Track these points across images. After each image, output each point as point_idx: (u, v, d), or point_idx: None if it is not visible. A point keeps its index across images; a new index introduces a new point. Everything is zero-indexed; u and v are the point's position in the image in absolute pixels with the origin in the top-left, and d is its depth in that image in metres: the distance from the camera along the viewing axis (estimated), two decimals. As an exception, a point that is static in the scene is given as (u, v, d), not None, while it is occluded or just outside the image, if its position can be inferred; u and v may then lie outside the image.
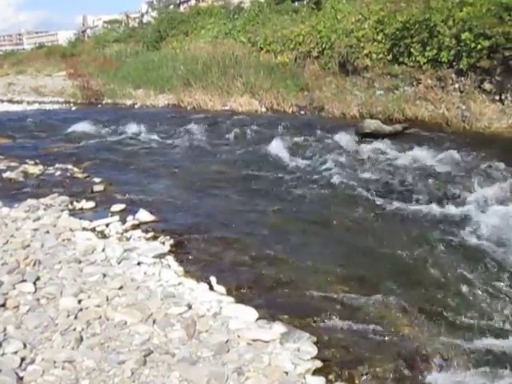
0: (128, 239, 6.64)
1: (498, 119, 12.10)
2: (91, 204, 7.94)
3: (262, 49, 19.61)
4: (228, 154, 11.02)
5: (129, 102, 20.08)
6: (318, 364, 4.27)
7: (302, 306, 5.17)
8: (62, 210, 7.57)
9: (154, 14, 31.05)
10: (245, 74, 17.88)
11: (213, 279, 5.56)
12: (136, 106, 19.52)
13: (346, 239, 6.75)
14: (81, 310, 4.75)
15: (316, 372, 4.19)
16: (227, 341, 4.40)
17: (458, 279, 5.60)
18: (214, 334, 4.50)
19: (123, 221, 7.21)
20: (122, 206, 7.74)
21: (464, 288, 5.43)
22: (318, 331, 4.73)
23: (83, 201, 8.00)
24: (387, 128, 11.88)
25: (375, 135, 11.48)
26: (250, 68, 18.12)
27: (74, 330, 4.43)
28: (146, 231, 6.89)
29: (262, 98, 16.64)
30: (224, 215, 7.58)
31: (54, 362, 3.99)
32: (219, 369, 3.98)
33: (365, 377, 4.21)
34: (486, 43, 12.47)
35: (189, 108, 17.72)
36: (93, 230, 6.92)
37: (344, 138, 11.47)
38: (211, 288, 5.42)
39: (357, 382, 4.16)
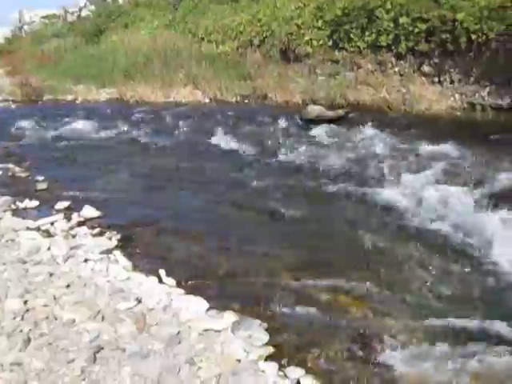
0: (74, 236, 6.52)
1: (437, 101, 12.33)
2: (35, 203, 7.77)
3: (203, 39, 19.47)
4: (172, 146, 10.92)
5: (70, 98, 19.69)
6: (271, 350, 4.29)
7: (253, 294, 5.18)
8: (5, 211, 7.39)
9: (92, 7, 30.45)
10: (187, 65, 17.74)
11: (162, 272, 5.52)
12: (77, 102, 19.16)
13: (295, 225, 6.78)
14: (27, 310, 4.65)
15: (268, 358, 4.21)
16: (178, 332, 4.39)
17: (405, 260, 5.70)
18: (164, 326, 4.48)
19: (68, 218, 7.09)
20: (66, 204, 7.60)
21: (412, 268, 5.54)
22: (269, 318, 4.75)
23: (26, 200, 7.82)
24: (330, 113, 11.98)
25: (318, 121, 11.57)
26: (192, 59, 17.98)
27: (21, 331, 4.34)
28: (92, 227, 6.79)
29: (205, 88, 16.56)
30: (171, 207, 7.53)
31: (1, 365, 3.91)
32: (171, 361, 3.97)
33: (317, 360, 4.24)
34: (423, 26, 12.66)
35: (131, 101, 17.50)
36: (37, 229, 6.78)
37: (288, 125, 11.53)
38: (161, 281, 5.38)
39: (310, 365, 4.18)
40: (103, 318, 4.59)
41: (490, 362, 4.09)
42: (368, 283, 5.26)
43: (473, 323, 4.56)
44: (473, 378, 3.95)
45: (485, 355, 4.16)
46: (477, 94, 11.92)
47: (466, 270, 5.46)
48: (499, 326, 4.48)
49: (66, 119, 14.17)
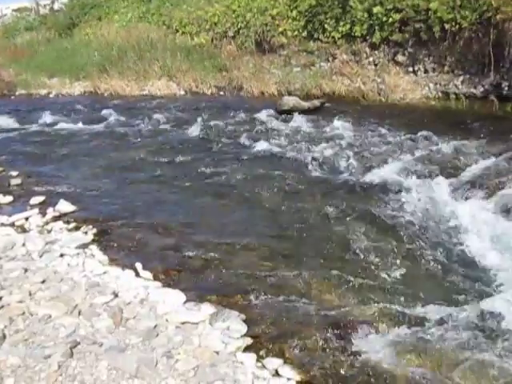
0: (49, 231, 6.47)
1: (412, 90, 12.40)
2: (9, 198, 7.69)
3: (177, 31, 19.34)
4: (148, 139, 10.85)
5: (44, 92, 19.45)
6: (249, 341, 4.32)
7: (230, 286, 5.20)
8: (-22, 207, 7.33)
9: (65, -1, 30.09)
10: (161, 57, 17.61)
11: (138, 265, 5.50)
12: (51, 96, 18.94)
13: (270, 216, 6.79)
14: (2, 307, 4.62)
15: (247, 349, 4.24)
16: (155, 326, 4.38)
17: (380, 248, 5.75)
18: (141, 320, 4.48)
19: (43, 213, 7.03)
20: (41, 199, 7.53)
21: (386, 256, 5.59)
22: (246, 309, 4.77)
23: (0, 196, 7.74)
24: (306, 104, 12.00)
25: (294, 112, 11.57)
26: (167, 51, 17.85)
27: (-4, 328, 4.31)
28: (68, 222, 6.74)
29: (180, 80, 16.47)
30: (147, 200, 7.49)
31: (-24, 363, 3.87)
32: (148, 354, 3.97)
33: (295, 349, 4.27)
34: (397, 16, 12.71)
35: (106, 95, 17.36)
36: (12, 224, 6.72)
37: (263, 116, 11.51)
38: (137, 274, 5.37)
39: (287, 355, 4.21)
40: (80, 313, 4.57)
41: (466, 347, 4.16)
42: (343, 272, 5.31)
43: (445, 309, 4.63)
44: (449, 363, 4.01)
45: (462, 340, 4.23)
46: (451, 83, 12.01)
47: (438, 257, 5.53)
48: (470, 311, 4.55)
49: (40, 113, 13.99)
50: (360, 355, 4.15)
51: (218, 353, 4.10)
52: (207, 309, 4.66)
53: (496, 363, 3.95)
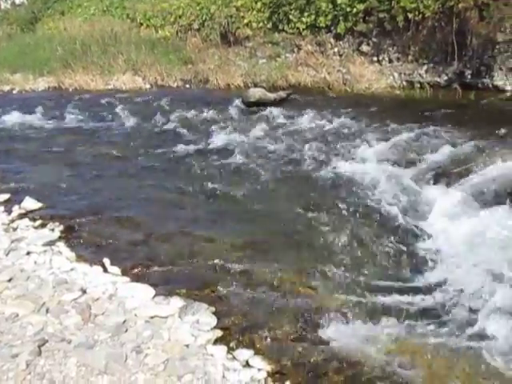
0: (15, 229, 6.38)
1: (377, 80, 12.48)
2: (-28, 197, 7.57)
3: (141, 24, 19.16)
4: (113, 134, 10.76)
5: (6, 88, 19.12)
6: (219, 333, 4.33)
7: (199, 278, 5.20)
8: None
9: (27, -7, 29.61)
10: (126, 51, 17.44)
11: (106, 261, 5.47)
12: (14, 92, 18.62)
13: (239, 208, 6.80)
14: (-32, 306, 4.56)
15: (217, 341, 4.25)
16: (124, 321, 4.37)
17: (349, 238, 5.79)
18: (110, 315, 4.46)
19: (9, 211, 6.93)
20: (6, 196, 7.43)
21: (354, 245, 5.64)
22: (216, 301, 4.78)
23: (-37, 195, 7.62)
24: (272, 95, 11.99)
25: (261, 103, 11.57)
26: (131, 45, 17.69)
27: (-38, 328, 4.25)
28: (34, 219, 6.66)
29: (146, 74, 16.34)
30: (115, 195, 7.44)
31: None
32: (117, 350, 3.95)
33: (265, 340, 4.29)
34: (361, 6, 12.76)
35: (70, 90, 17.13)
36: (-24, 223, 6.63)
37: (230, 109, 11.50)
38: (105, 270, 5.34)
39: (258, 346, 4.22)
40: (47, 311, 4.53)
41: (431, 334, 4.23)
42: (313, 262, 5.34)
43: (413, 297, 4.69)
44: (416, 351, 4.07)
45: (427, 328, 4.30)
46: (415, 72, 12.10)
47: (406, 245, 5.60)
48: (440, 300, 4.62)
49: (3, 110, 13.77)
50: (330, 344, 4.20)
51: (187, 346, 4.10)
52: (176, 302, 4.66)
53: (456, 346, 4.06)
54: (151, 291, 4.86)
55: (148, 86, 16.14)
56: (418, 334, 4.24)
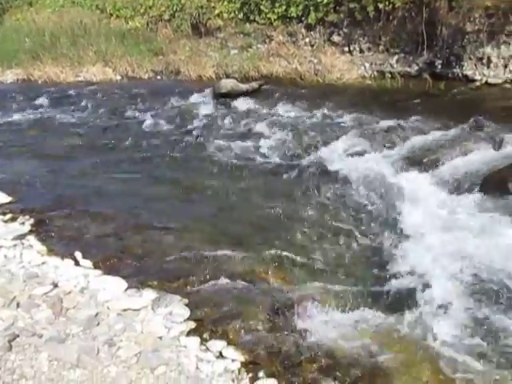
0: (-16, 224, 6.31)
1: (348, 70, 12.49)
2: None
3: (111, 15, 18.93)
4: (84, 126, 10.63)
5: (-26, 81, 18.86)
6: (192, 325, 4.33)
7: (172, 270, 5.18)
8: None
9: (-7, -16, 29.09)
10: (95, 42, 17.23)
11: (78, 254, 5.42)
12: (-18, 85, 18.37)
13: (211, 199, 6.80)
14: None
15: (190, 333, 4.25)
16: (97, 314, 4.34)
17: (322, 227, 5.83)
18: (82, 309, 4.42)
19: (-23, 206, 6.84)
20: (-26, 190, 7.32)
21: (327, 234, 5.67)
22: (189, 293, 4.77)
23: None
24: (244, 86, 11.94)
25: (232, 94, 11.52)
26: (101, 36, 17.49)
27: None
28: (3, 213, 6.55)
29: (116, 65, 16.15)
30: (85, 189, 7.37)
31: None
32: (89, 343, 3.93)
33: (239, 331, 4.30)
34: (332, -4, 12.78)
35: (40, 82, 16.87)
36: None
37: (201, 100, 11.44)
38: (77, 263, 5.30)
39: (231, 336, 4.23)
40: (18, 305, 4.48)
41: (404, 322, 4.27)
42: (286, 252, 5.36)
43: (386, 285, 4.74)
44: (389, 339, 4.11)
45: (400, 316, 4.34)
46: (386, 62, 12.15)
47: (379, 233, 5.65)
48: (412, 287, 4.67)
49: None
50: (304, 333, 4.22)
51: (160, 338, 4.10)
52: (149, 294, 4.64)
53: (428, 334, 4.12)
54: (123, 284, 4.83)
55: (119, 78, 15.98)
56: (391, 322, 4.28)
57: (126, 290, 4.76)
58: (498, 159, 6.81)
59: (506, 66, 10.54)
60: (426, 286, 4.64)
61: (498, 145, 7.20)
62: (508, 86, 10.26)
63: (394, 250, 5.31)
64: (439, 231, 5.46)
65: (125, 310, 4.42)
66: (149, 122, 10.30)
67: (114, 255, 5.49)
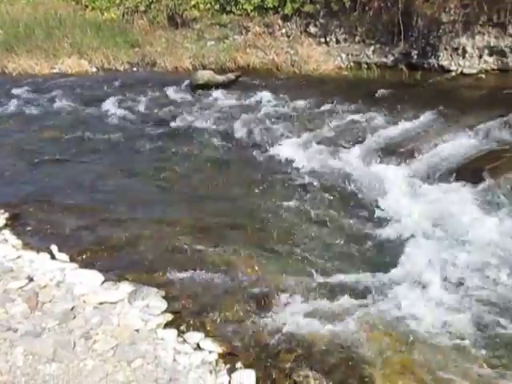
0: (-43, 219, 6.24)
1: (324, 61, 12.48)
2: None
3: (87, 7, 18.74)
4: (59, 118, 10.50)
5: None
6: (169, 317, 4.34)
7: (149, 263, 5.18)
8: None
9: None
10: (71, 34, 17.06)
11: (54, 248, 5.40)
12: (-45, 78, 18.12)
13: (188, 191, 6.78)
14: None
15: (167, 325, 4.26)
16: (73, 308, 4.33)
17: (298, 218, 5.86)
18: (58, 302, 4.40)
19: (-50, 201, 6.75)
20: None
21: (304, 225, 5.69)
22: (166, 285, 4.78)
23: None
24: (220, 78, 11.90)
25: (209, 86, 11.47)
26: (76, 28, 17.32)
27: None
28: (-22, 208, 6.51)
29: (92, 57, 15.99)
30: (61, 181, 7.32)
31: None
32: (65, 337, 3.91)
33: (216, 323, 4.32)
34: (308, -13, 12.76)
35: (14, 74, 16.63)
36: None
37: (177, 92, 11.36)
38: (53, 257, 5.27)
39: (208, 328, 4.25)
40: (-8, 300, 4.44)
41: (380, 311, 4.30)
42: (263, 243, 5.38)
43: (364, 275, 4.77)
44: (365, 328, 4.14)
45: (376, 305, 4.37)
46: (362, 53, 12.15)
47: (356, 223, 5.68)
48: (389, 276, 4.70)
49: None
50: (280, 324, 4.23)
51: (137, 331, 4.10)
52: (126, 287, 4.64)
53: (404, 322, 4.17)
54: (100, 277, 4.82)
55: (94, 70, 15.83)
56: (368, 311, 4.31)
57: (102, 283, 4.75)
58: (473, 148, 6.88)
59: (480, 57, 10.60)
60: (406, 275, 4.68)
61: (472, 134, 7.26)
62: (483, 75, 10.33)
63: (369, 240, 5.35)
64: (417, 219, 5.51)
65: (101, 304, 4.40)
66: (124, 114, 10.20)
67: (91, 248, 5.48)
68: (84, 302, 4.42)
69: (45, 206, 6.53)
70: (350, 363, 3.84)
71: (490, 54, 10.50)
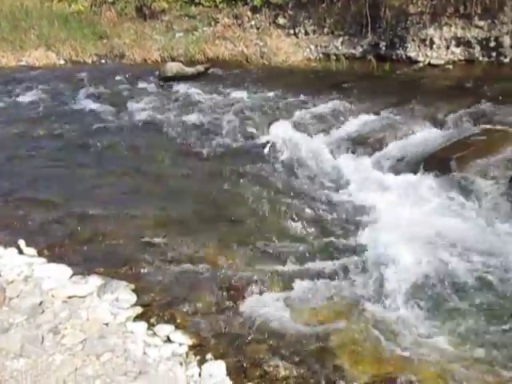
0: None
1: (294, 53, 12.50)
2: None
3: (54, -2, 18.58)
4: (26, 112, 10.30)
5: None
6: (139, 310, 4.34)
7: (118, 256, 5.16)
8: None
9: None
10: (38, 26, 16.85)
11: (22, 242, 5.33)
12: None
13: (156, 184, 6.75)
14: None
15: (137, 318, 4.26)
16: (41, 302, 4.29)
17: (268, 209, 5.87)
18: (26, 297, 4.36)
19: None
20: None
21: (275, 218, 5.71)
22: (135, 278, 4.77)
23: None
24: (189, 70, 11.84)
25: (178, 78, 11.42)
26: (43, 19, 17.11)
27: None
28: None
29: (59, 49, 15.82)
30: (28, 176, 7.20)
31: None
32: (33, 332, 3.88)
33: (186, 315, 4.33)
34: (276, -21, 12.75)
35: (-21, 67, 16.50)
36: None
37: (146, 84, 11.26)
38: (21, 252, 5.21)
39: (179, 320, 4.26)
40: (-42, 297, 4.38)
41: (347, 301, 4.35)
42: (232, 234, 5.42)
43: (331, 266, 4.81)
44: (334, 318, 4.19)
45: (344, 295, 4.42)
46: (331, 45, 12.20)
47: (322, 214, 5.72)
48: (355, 267, 4.76)
49: None
50: (251, 315, 4.26)
51: (107, 324, 4.09)
52: (95, 281, 4.62)
53: (370, 312, 4.23)
54: (69, 271, 4.78)
55: (62, 62, 15.66)
56: (339, 301, 4.35)
57: (71, 277, 4.72)
58: (440, 139, 6.97)
59: (447, 47, 10.72)
60: (373, 262, 4.74)
61: (440, 124, 7.35)
62: (450, 66, 10.45)
63: (338, 230, 5.40)
64: (382, 210, 5.57)
65: (70, 298, 4.38)
66: (91, 107, 10.10)
67: (59, 243, 5.44)
68: (52, 296, 4.39)
69: (12, 200, 6.45)
70: (321, 353, 3.87)
71: (457, 45, 10.63)
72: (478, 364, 3.69)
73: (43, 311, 4.17)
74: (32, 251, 5.21)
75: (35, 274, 4.75)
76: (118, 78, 11.95)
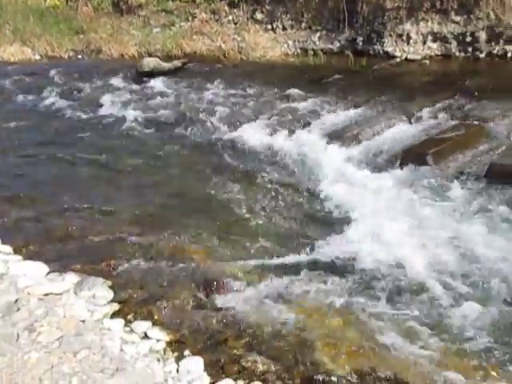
0: None
1: (271, 48, 12.52)
2: None
3: (29, -8, 18.39)
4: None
5: None
6: (116, 307, 4.30)
7: (95, 253, 5.11)
8: None
9: None
10: (12, 20, 16.70)
11: (-4, 240, 5.28)
12: None
13: (133, 180, 6.73)
14: None
15: (114, 315, 4.21)
16: (16, 300, 4.23)
17: (246, 204, 5.87)
18: (1, 295, 4.29)
19: None
20: None
21: (254, 213, 5.71)
22: (112, 275, 4.73)
23: None
24: (167, 65, 11.81)
25: (155, 73, 11.38)
26: (18, 14, 16.94)
27: None
28: None
29: (35, 45, 15.69)
30: (2, 172, 7.15)
31: None
32: (8, 330, 3.83)
33: (163, 311, 4.29)
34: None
35: (-47, 62, 16.28)
36: None
37: (123, 79, 11.22)
38: (-5, 249, 5.15)
39: (156, 317, 4.22)
40: None
41: (326, 295, 4.35)
42: (209, 230, 5.39)
43: (311, 260, 4.81)
44: (312, 312, 4.19)
45: (323, 289, 4.42)
46: (309, 40, 12.24)
47: (304, 208, 5.74)
48: (336, 260, 4.77)
49: None
50: (229, 310, 4.24)
51: (83, 321, 4.04)
52: (71, 278, 4.56)
53: (350, 306, 4.23)
54: (45, 268, 4.73)
55: (38, 58, 15.52)
56: (317, 296, 4.35)
57: (47, 274, 4.66)
58: (417, 133, 7.02)
59: (424, 43, 10.79)
60: (350, 258, 4.76)
61: (416, 119, 7.39)
62: (426, 61, 10.52)
63: (317, 225, 5.41)
64: (361, 206, 5.59)
65: (46, 295, 4.33)
66: (67, 103, 10.02)
67: (35, 240, 5.37)
68: (28, 293, 4.33)
69: (-15, 197, 6.38)
70: (299, 347, 3.86)
71: (434, 40, 10.70)
72: (461, 358, 3.71)
73: (19, 309, 4.12)
74: (7, 249, 5.14)
75: (10, 272, 4.68)
76: (93, 73, 11.88)
